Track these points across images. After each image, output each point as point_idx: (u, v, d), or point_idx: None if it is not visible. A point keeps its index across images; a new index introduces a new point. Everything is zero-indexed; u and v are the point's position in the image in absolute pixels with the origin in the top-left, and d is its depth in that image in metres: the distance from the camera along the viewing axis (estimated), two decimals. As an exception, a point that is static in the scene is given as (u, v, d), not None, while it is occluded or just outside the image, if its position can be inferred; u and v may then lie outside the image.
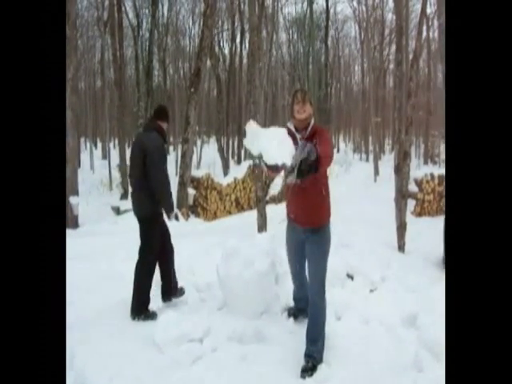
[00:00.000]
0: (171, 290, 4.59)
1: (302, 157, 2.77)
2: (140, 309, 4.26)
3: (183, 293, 4.67)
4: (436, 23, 6.22)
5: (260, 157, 3.02)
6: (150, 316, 4.24)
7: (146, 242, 4.37)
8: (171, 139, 27.82)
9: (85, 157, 26.99)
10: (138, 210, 4.40)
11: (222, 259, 4.43)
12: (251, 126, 3.00)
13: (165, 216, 4.46)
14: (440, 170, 12.96)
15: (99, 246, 7.12)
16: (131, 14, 25.24)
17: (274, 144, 2.85)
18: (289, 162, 2.83)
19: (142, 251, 4.38)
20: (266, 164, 3.05)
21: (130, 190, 4.81)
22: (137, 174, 4.32)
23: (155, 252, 4.40)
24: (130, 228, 8.35)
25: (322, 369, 3.39)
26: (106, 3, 20.82)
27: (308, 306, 3.65)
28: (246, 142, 3.02)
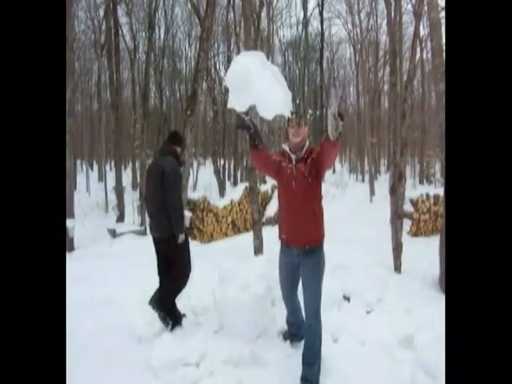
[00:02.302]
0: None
1: (339, 102, 2.82)
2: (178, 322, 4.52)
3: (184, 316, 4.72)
4: (429, 45, 6.33)
5: (247, 113, 2.94)
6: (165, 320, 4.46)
7: (173, 260, 4.50)
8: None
9: (81, 179, 26.98)
10: (161, 233, 4.47)
11: (219, 282, 4.42)
12: (238, 70, 2.74)
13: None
14: (435, 190, 13.00)
15: (94, 269, 7.08)
16: (128, 37, 25.48)
17: (271, 89, 2.66)
18: (288, 111, 2.81)
19: (170, 269, 4.50)
20: (251, 132, 3.15)
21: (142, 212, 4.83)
22: (155, 197, 4.43)
23: (184, 268, 4.57)
24: (125, 251, 8.31)
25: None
26: (103, 27, 21.07)
27: (301, 331, 3.64)
28: (231, 98, 2.80)
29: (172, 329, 4.44)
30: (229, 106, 2.90)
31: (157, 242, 4.58)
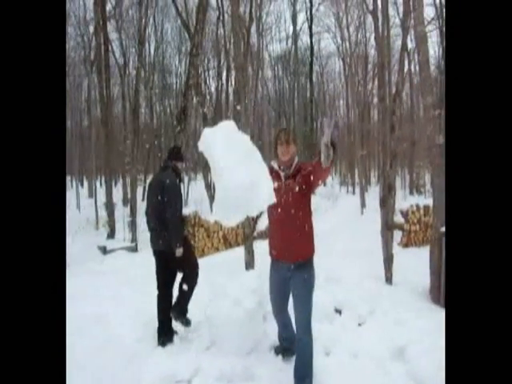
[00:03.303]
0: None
1: (332, 131, 2.84)
2: (184, 314, 4.70)
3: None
4: (417, 57, 6.42)
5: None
6: (187, 322, 4.74)
7: (180, 267, 4.68)
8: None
9: (71, 195, 26.85)
10: (164, 246, 4.56)
11: (210, 298, 4.42)
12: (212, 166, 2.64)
13: None
14: (425, 201, 13.07)
15: (85, 286, 7.00)
16: (118, 53, 25.59)
17: (252, 189, 2.55)
18: (272, 200, 2.82)
19: (187, 270, 4.70)
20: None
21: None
22: (156, 211, 4.56)
23: (195, 267, 4.75)
24: (116, 268, 8.26)
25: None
26: (93, 43, 21.11)
27: (293, 345, 3.64)
28: (215, 211, 2.68)
29: (164, 345, 4.43)
30: (214, 218, 2.78)
31: (158, 255, 4.68)
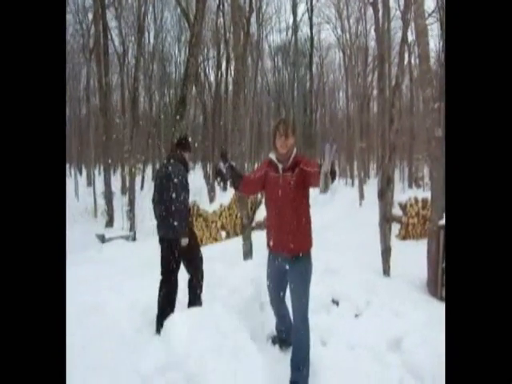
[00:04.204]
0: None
1: (333, 159, 2.83)
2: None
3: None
4: (417, 50, 6.40)
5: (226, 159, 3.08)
6: None
7: (188, 254, 4.72)
8: (157, 166, 27.81)
9: (69, 183, 26.82)
10: (171, 234, 4.61)
11: (208, 287, 4.42)
12: None
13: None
14: (424, 194, 13.08)
15: (83, 275, 7.00)
16: (117, 41, 25.47)
17: None
18: None
19: (190, 262, 4.79)
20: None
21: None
22: (164, 199, 4.61)
23: (200, 263, 4.85)
24: (114, 257, 8.25)
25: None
26: (92, 31, 20.99)
27: (290, 336, 3.65)
28: None
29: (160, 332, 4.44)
30: None
31: (165, 243, 4.72)
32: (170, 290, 4.69)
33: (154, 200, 4.86)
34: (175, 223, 4.51)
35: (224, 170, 3.40)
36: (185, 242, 4.57)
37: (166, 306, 4.62)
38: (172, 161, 4.74)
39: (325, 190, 2.94)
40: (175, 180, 4.53)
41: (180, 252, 4.65)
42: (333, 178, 2.91)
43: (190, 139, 5.10)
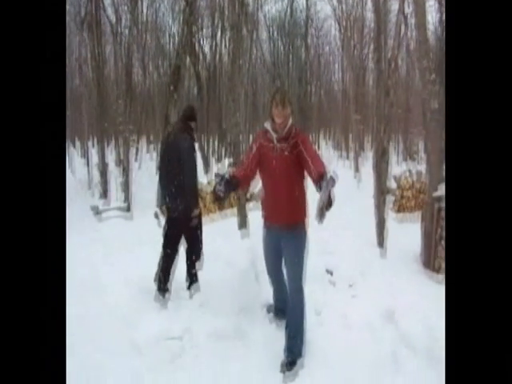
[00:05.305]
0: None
1: (328, 195, 2.85)
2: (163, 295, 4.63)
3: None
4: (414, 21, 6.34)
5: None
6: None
7: (195, 233, 4.74)
8: (151, 138, 27.66)
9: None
10: (178, 211, 4.55)
11: (203, 257, 4.45)
12: None
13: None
14: (418, 167, 13.10)
15: (78, 250, 6.88)
16: (110, 11, 24.95)
17: None
18: None
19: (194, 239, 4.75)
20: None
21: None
22: (171, 174, 4.52)
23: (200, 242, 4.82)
24: (109, 233, 8.18)
25: (301, 363, 3.44)
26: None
27: (286, 306, 3.69)
28: None
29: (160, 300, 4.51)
30: None
31: (170, 219, 4.67)
32: (169, 263, 4.69)
33: (159, 168, 4.84)
34: (187, 198, 4.48)
35: (222, 194, 3.34)
36: (196, 213, 4.57)
37: (163, 276, 4.64)
38: (180, 133, 4.63)
39: (320, 220, 2.93)
40: (185, 155, 4.45)
41: (185, 226, 4.63)
42: (328, 208, 2.90)
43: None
